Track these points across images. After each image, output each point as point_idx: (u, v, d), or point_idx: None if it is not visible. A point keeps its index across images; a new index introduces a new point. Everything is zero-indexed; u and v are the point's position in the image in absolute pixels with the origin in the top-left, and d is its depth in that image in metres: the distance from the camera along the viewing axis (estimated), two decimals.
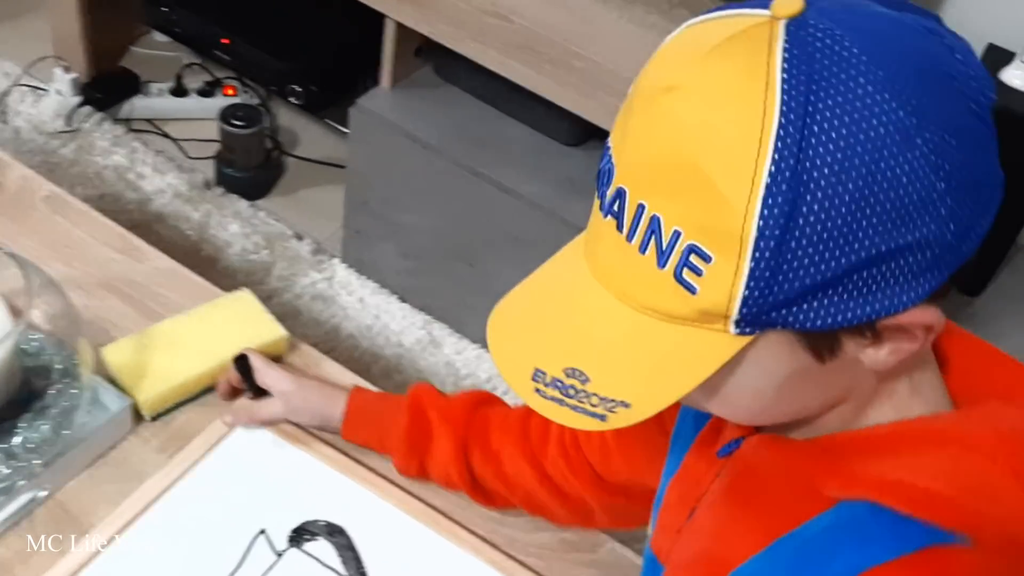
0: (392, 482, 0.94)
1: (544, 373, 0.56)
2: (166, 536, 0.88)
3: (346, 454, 0.96)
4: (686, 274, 0.51)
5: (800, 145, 0.48)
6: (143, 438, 0.95)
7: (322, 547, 0.90)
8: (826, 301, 0.51)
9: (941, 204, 0.50)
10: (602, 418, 0.54)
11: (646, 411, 0.54)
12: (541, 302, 0.59)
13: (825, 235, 0.49)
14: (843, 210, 0.49)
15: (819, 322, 0.51)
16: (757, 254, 0.49)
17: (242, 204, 2.00)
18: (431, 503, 0.93)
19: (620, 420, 0.54)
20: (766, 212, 0.49)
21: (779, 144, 0.48)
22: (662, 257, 0.52)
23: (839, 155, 0.48)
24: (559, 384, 0.55)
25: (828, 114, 0.48)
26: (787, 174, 0.48)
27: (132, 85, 2.13)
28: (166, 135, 2.10)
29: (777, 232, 0.49)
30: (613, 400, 0.54)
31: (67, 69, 2.05)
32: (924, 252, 0.50)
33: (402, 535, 0.91)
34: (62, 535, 0.86)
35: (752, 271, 0.50)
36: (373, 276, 1.90)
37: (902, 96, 0.49)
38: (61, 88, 2.04)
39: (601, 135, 1.62)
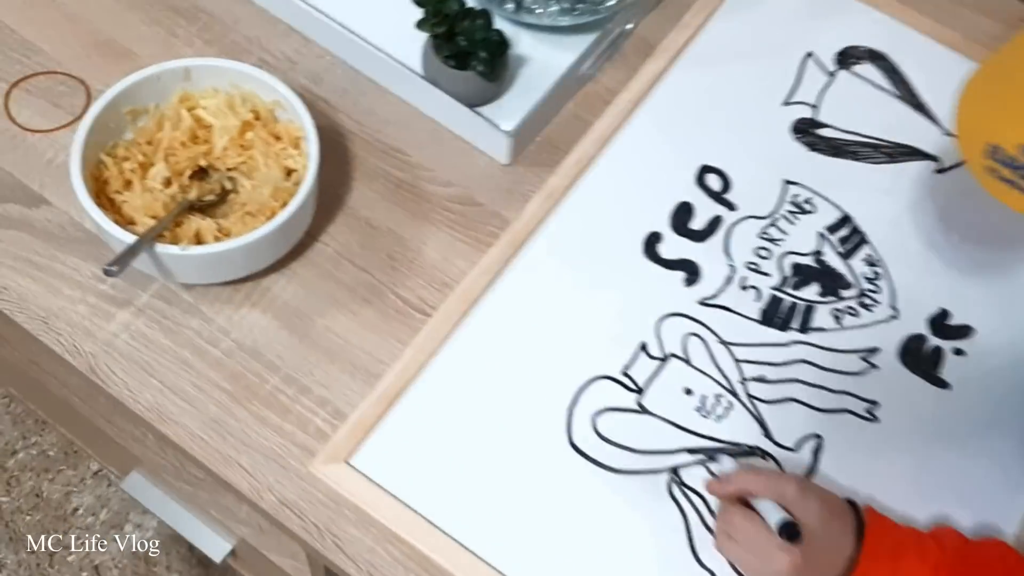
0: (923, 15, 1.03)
1: (999, 149, 0.54)
2: (725, 53, 1.01)
3: None
4: None
5: None
6: None
7: (867, 70, 1.02)
8: None
9: None
10: None
11: None
12: (1004, 81, 0.56)
13: None
14: None
15: None
16: None
17: None
18: None
19: None
20: None
21: None
22: None
23: None
24: (1013, 163, 0.53)
25: None
26: None
27: None
28: None
29: None
30: None
31: None
32: None
33: (940, 64, 1.02)
34: (644, 57, 1.01)
35: None
36: None
37: None
38: None
39: None
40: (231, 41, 0.98)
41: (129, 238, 0.77)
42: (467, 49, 0.90)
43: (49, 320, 0.82)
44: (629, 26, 1.01)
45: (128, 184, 0.83)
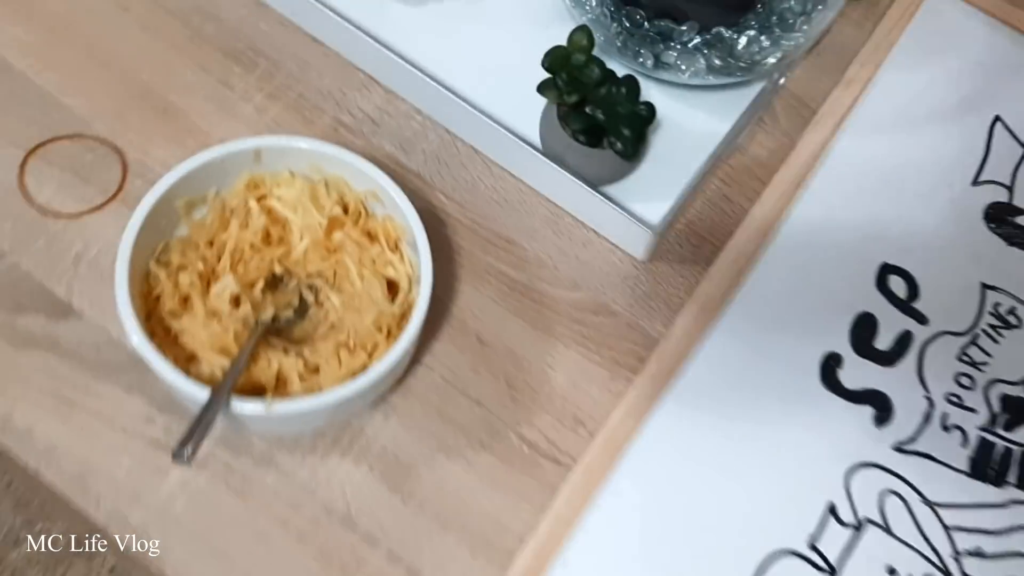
0: None
1: None
2: (898, 116, 0.83)
3: None
4: None
5: None
6: (852, 21, 0.89)
7: None
8: None
9: None
10: None
11: None
12: None
13: None
14: None
15: None
16: None
17: None
18: None
19: None
20: None
21: None
22: None
23: None
24: None
25: None
26: None
27: None
28: None
29: None
30: None
31: None
32: None
33: None
34: (797, 118, 0.83)
35: None
36: None
37: None
38: None
39: None
40: (298, 95, 0.79)
41: (201, 394, 0.58)
42: (604, 124, 0.72)
43: (85, 478, 0.64)
44: (781, 81, 0.83)
45: (186, 302, 0.65)
